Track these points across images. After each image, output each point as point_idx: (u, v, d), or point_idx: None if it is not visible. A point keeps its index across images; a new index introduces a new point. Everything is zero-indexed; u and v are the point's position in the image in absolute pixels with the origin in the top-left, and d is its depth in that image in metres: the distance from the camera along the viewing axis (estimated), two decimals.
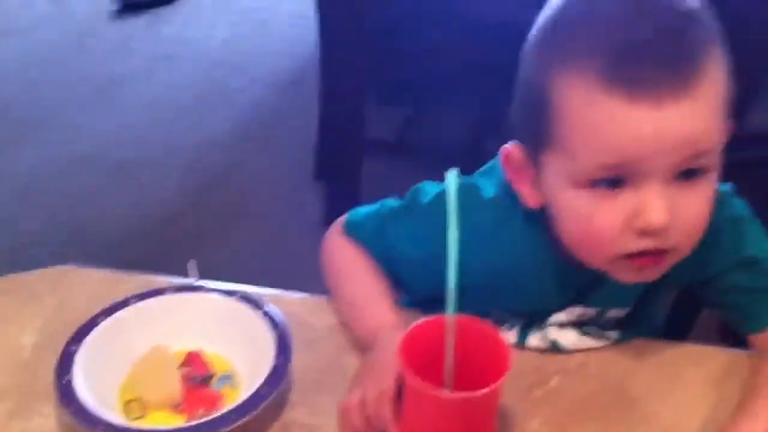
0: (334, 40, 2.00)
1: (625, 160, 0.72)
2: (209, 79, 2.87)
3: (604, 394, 0.85)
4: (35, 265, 0.99)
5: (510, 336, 0.89)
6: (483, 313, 0.76)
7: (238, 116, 2.68)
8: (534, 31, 0.78)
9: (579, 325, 0.89)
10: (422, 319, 0.74)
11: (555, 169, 0.77)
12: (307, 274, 0.96)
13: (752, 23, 1.22)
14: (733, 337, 0.91)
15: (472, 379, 0.70)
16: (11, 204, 2.31)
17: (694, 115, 0.71)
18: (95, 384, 0.80)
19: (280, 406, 0.82)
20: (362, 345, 0.86)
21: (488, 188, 0.87)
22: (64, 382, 0.79)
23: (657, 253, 0.75)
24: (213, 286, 0.90)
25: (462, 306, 0.71)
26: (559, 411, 0.83)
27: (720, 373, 0.87)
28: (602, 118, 0.71)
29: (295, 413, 0.82)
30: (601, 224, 0.75)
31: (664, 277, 0.81)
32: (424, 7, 1.93)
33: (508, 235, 0.85)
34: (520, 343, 0.89)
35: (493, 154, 0.86)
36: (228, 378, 0.84)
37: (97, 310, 0.86)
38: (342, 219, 0.94)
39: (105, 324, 0.85)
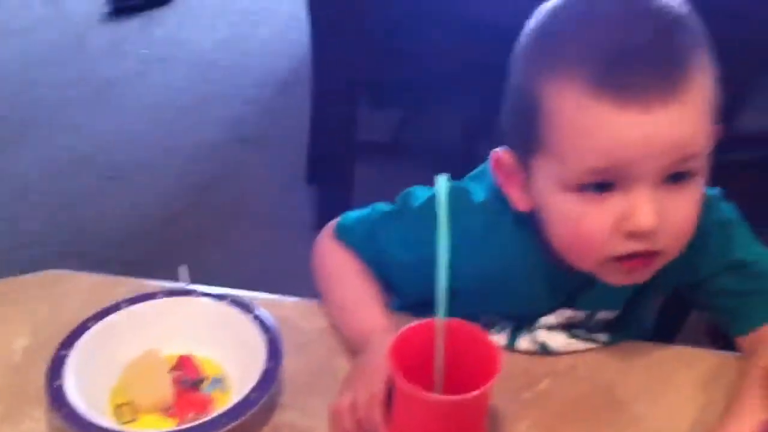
0: (326, 41, 2.00)
1: (614, 164, 0.72)
2: (202, 81, 2.88)
3: (593, 396, 0.86)
4: (30, 267, 0.99)
5: (500, 339, 0.90)
6: (473, 317, 0.77)
7: (232, 118, 2.69)
8: (523, 38, 0.78)
9: (568, 327, 0.90)
10: (412, 323, 0.74)
11: (545, 174, 0.77)
12: (299, 277, 0.96)
13: (741, 26, 1.23)
14: (723, 339, 0.92)
15: (463, 382, 0.71)
16: (10, 204, 2.31)
17: (682, 119, 0.71)
18: (86, 388, 0.80)
19: (270, 409, 0.82)
20: (353, 348, 0.86)
21: (478, 192, 0.87)
22: (55, 385, 0.79)
23: (646, 255, 0.76)
24: (204, 291, 0.90)
25: (452, 309, 0.71)
26: (549, 413, 0.83)
27: (708, 375, 0.88)
28: (591, 123, 0.72)
29: (286, 416, 0.82)
30: (590, 228, 0.75)
31: (653, 280, 0.81)
32: (417, 9, 1.93)
33: (498, 239, 0.86)
34: (510, 346, 0.90)
35: (485, 158, 0.86)
36: (219, 382, 0.85)
37: (89, 314, 0.86)
38: (333, 223, 0.95)
39: (96, 328, 0.85)
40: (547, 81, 0.74)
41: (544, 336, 0.90)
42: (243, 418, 0.76)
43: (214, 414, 0.77)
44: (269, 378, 0.80)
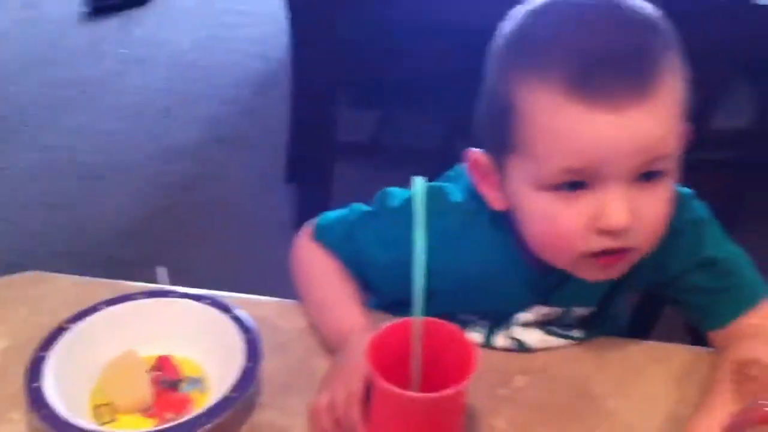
0: (305, 41, 2.00)
1: (586, 164, 0.74)
2: (181, 80, 2.87)
3: (568, 391, 0.87)
4: (7, 269, 0.99)
5: (477, 337, 0.90)
6: (450, 315, 0.78)
7: (210, 118, 2.68)
8: (498, 40, 0.79)
9: (544, 324, 0.91)
10: (390, 322, 0.75)
11: (519, 174, 0.78)
12: (278, 276, 0.97)
13: (713, 29, 1.25)
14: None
15: (440, 380, 0.72)
16: None
17: (652, 120, 0.73)
18: (65, 389, 0.80)
19: (249, 408, 0.83)
20: (331, 347, 0.87)
21: (455, 192, 0.88)
22: (34, 387, 0.79)
23: (619, 252, 0.78)
24: (182, 291, 0.90)
25: (429, 308, 0.72)
26: (525, 409, 0.84)
27: (681, 371, 0.89)
28: (564, 124, 0.73)
29: (265, 415, 0.83)
30: (564, 226, 0.76)
31: (627, 277, 0.83)
32: (397, 10, 1.94)
33: (474, 238, 0.87)
34: (487, 344, 0.91)
35: (464, 157, 0.87)
36: (198, 382, 0.85)
37: (67, 315, 0.86)
38: (311, 223, 0.96)
39: (75, 329, 0.85)
40: (521, 83, 0.75)
41: (520, 333, 0.91)
42: (222, 417, 0.77)
43: (193, 414, 0.78)
44: (248, 378, 0.80)
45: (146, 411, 0.82)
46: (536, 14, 0.77)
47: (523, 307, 0.90)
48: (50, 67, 2.92)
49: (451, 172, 0.94)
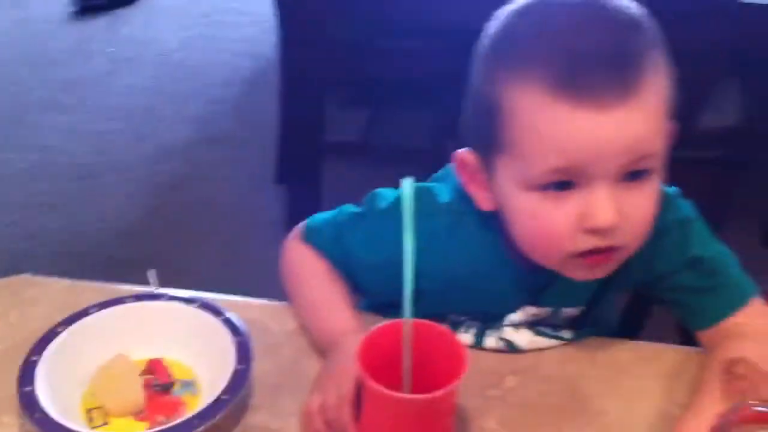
0: (294, 40, 2.00)
1: (572, 163, 0.74)
2: (169, 80, 2.86)
3: (558, 392, 0.87)
4: None
5: (467, 338, 0.91)
6: (440, 316, 0.78)
7: (199, 118, 2.68)
8: (484, 40, 0.80)
9: (533, 325, 0.92)
10: (380, 324, 0.75)
11: (507, 174, 0.79)
12: (268, 276, 0.97)
13: (701, 29, 1.26)
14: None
15: (431, 382, 0.72)
16: None
17: (637, 119, 0.73)
18: (57, 393, 0.80)
19: (241, 410, 0.83)
20: (322, 349, 0.87)
21: (444, 193, 0.89)
22: (26, 391, 0.79)
23: (607, 251, 0.78)
24: (173, 294, 0.91)
25: (419, 309, 0.72)
26: (515, 410, 0.85)
27: (671, 370, 0.89)
28: (549, 124, 0.74)
29: (257, 417, 0.83)
30: (552, 226, 0.77)
31: (615, 277, 0.83)
32: (386, 10, 1.94)
33: (463, 239, 0.87)
34: (477, 345, 0.91)
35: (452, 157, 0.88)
36: (189, 385, 0.85)
37: (59, 319, 0.86)
38: (301, 225, 0.96)
39: (66, 333, 0.85)
40: (507, 83, 0.76)
41: (510, 334, 0.91)
42: (214, 420, 0.77)
43: (185, 417, 0.78)
44: (239, 380, 0.81)
45: (138, 414, 0.82)
46: (521, 14, 0.78)
47: (512, 307, 0.90)
48: (38, 67, 2.91)
49: (439, 173, 0.94)
